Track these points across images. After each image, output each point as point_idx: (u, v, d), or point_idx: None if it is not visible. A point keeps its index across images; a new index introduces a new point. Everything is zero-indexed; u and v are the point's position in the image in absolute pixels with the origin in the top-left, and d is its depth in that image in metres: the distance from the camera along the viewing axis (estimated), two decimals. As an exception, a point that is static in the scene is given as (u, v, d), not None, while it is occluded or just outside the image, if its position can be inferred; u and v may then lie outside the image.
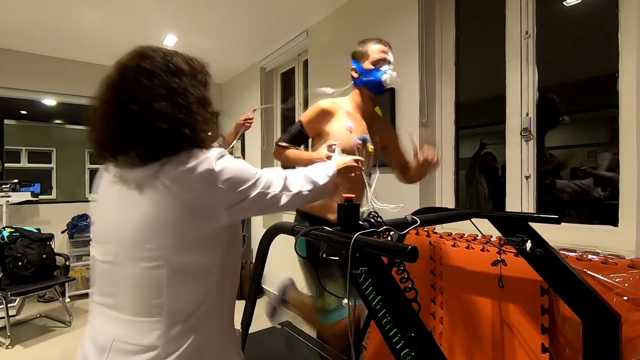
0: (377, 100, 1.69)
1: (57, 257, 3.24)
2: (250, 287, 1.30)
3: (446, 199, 2.19)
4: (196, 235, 0.74)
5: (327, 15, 2.90)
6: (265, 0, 2.68)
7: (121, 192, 0.76)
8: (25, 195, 3.53)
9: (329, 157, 1.34)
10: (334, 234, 0.90)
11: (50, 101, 4.18)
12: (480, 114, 2.21)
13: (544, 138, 1.77)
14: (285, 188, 0.85)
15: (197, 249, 0.75)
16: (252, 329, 1.31)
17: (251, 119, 1.76)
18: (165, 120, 0.71)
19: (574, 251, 1.42)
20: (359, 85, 1.58)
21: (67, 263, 3.36)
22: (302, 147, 1.66)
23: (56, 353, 2.62)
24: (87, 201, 4.85)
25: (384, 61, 1.53)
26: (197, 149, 0.75)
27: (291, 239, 1.02)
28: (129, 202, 0.74)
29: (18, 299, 3.19)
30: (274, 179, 0.84)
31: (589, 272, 1.28)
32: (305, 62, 3.38)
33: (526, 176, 1.78)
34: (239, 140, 4.23)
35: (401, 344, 0.74)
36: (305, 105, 3.40)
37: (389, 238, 1.04)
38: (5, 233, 3.03)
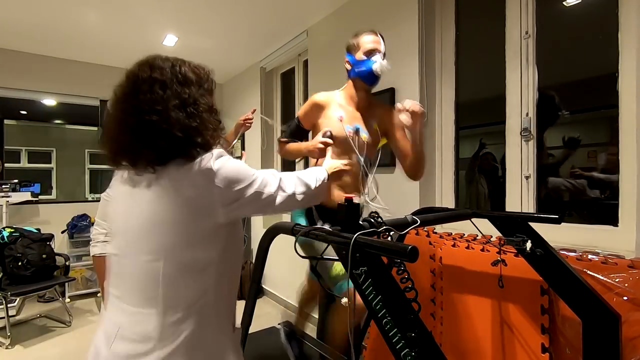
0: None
1: (57, 257, 3.24)
2: (250, 287, 1.30)
3: (446, 199, 2.19)
4: (194, 231, 0.77)
5: (327, 15, 2.90)
6: (265, 0, 2.68)
7: (130, 192, 0.82)
8: (25, 195, 3.53)
9: (324, 143, 1.36)
10: (334, 234, 0.90)
11: (50, 101, 4.18)
12: (480, 114, 2.21)
13: (546, 138, 1.77)
14: (280, 189, 0.88)
15: (195, 244, 0.78)
16: (252, 329, 1.31)
17: (251, 119, 1.75)
18: (181, 128, 0.76)
19: (574, 251, 1.42)
20: (353, 76, 1.60)
21: (67, 263, 3.36)
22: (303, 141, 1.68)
23: (56, 353, 2.62)
24: (87, 201, 4.85)
25: (376, 51, 1.54)
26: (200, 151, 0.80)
27: (291, 239, 1.02)
28: (135, 200, 0.80)
29: (18, 299, 3.19)
30: (270, 180, 0.86)
31: (589, 272, 1.28)
32: (305, 62, 3.38)
33: (526, 176, 1.78)
34: (239, 140, 4.23)
35: (401, 344, 0.74)
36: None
37: (389, 238, 1.04)
38: (5, 233, 3.03)
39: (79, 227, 3.77)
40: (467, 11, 2.13)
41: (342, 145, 1.51)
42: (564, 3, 1.78)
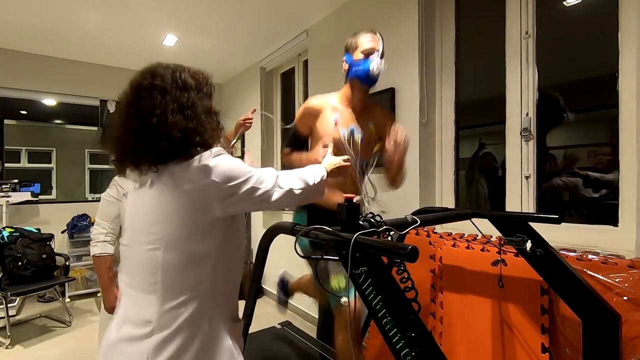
0: (375, 102, 1.70)
1: (57, 257, 3.24)
2: (250, 287, 1.30)
3: (446, 199, 2.19)
4: (192, 224, 0.82)
5: (327, 15, 2.90)
6: (265, 0, 2.68)
7: (137, 190, 0.90)
8: (25, 195, 3.53)
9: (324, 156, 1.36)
10: (334, 234, 0.90)
11: (50, 101, 4.17)
12: (480, 114, 2.21)
13: (546, 137, 1.77)
14: (277, 185, 0.91)
15: (193, 236, 0.82)
16: (252, 329, 1.31)
17: (251, 119, 1.75)
18: (180, 130, 0.82)
19: (574, 251, 1.42)
20: (350, 77, 1.58)
21: (67, 263, 3.36)
22: (304, 149, 1.67)
23: (56, 353, 2.62)
24: (87, 201, 4.85)
25: (374, 50, 1.52)
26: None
27: (291, 239, 1.02)
28: (141, 196, 0.88)
29: (18, 299, 3.19)
30: (266, 177, 0.90)
31: (589, 272, 1.28)
32: (305, 62, 3.38)
33: (526, 176, 1.78)
34: (239, 140, 4.23)
35: (401, 344, 0.74)
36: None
37: (389, 238, 1.04)
38: (5, 233, 3.03)
39: (79, 227, 3.77)
40: (467, 11, 2.13)
41: (337, 149, 1.50)
42: (564, 3, 1.78)
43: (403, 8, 2.22)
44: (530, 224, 1.27)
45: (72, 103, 4.13)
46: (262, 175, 0.89)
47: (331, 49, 2.80)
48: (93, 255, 1.59)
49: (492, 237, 1.55)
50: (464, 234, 1.78)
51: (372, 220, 0.97)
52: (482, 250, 1.56)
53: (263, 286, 3.89)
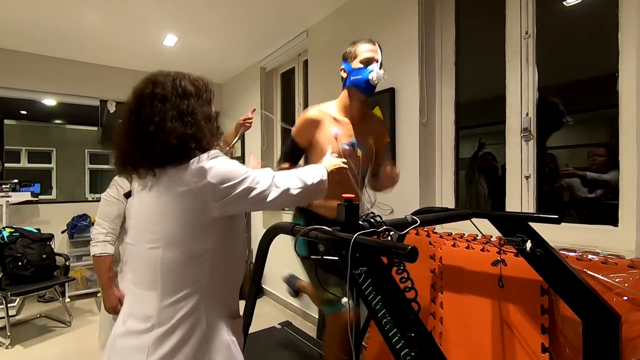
0: (368, 101, 1.68)
1: (57, 257, 3.24)
2: (250, 287, 1.30)
3: (446, 199, 2.19)
4: (190, 223, 0.85)
5: (327, 15, 2.90)
6: (265, 0, 2.68)
7: (140, 192, 0.93)
8: (25, 195, 3.53)
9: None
10: (334, 234, 0.90)
11: (50, 101, 4.17)
12: (480, 114, 2.21)
13: (546, 140, 1.77)
14: (273, 185, 0.93)
15: (191, 235, 0.85)
16: (252, 329, 1.31)
17: (251, 118, 1.75)
18: (177, 136, 0.85)
19: (574, 251, 1.42)
20: (348, 85, 1.56)
21: (67, 263, 3.36)
22: (301, 161, 1.66)
23: (56, 353, 2.62)
24: (87, 201, 4.85)
25: (373, 59, 1.51)
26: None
27: (291, 239, 1.03)
28: (143, 198, 0.91)
29: (18, 299, 3.19)
30: (263, 177, 0.92)
31: (589, 272, 1.28)
32: (305, 62, 3.38)
33: (526, 176, 1.78)
34: (239, 141, 4.23)
35: (401, 344, 0.74)
36: (306, 106, 3.40)
37: (389, 238, 1.04)
38: (5, 233, 3.03)
39: (79, 227, 3.77)
40: (467, 11, 2.13)
41: None
42: (564, 3, 1.78)
43: (403, 8, 2.22)
44: (530, 224, 1.27)
45: (72, 103, 4.13)
46: (258, 175, 0.91)
47: (331, 49, 2.80)
48: (93, 255, 1.59)
49: (492, 237, 1.55)
50: (464, 234, 1.78)
51: (372, 220, 0.97)
52: (482, 250, 1.56)
53: (263, 286, 3.89)
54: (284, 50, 3.48)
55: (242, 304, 1.18)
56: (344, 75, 1.58)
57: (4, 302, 2.78)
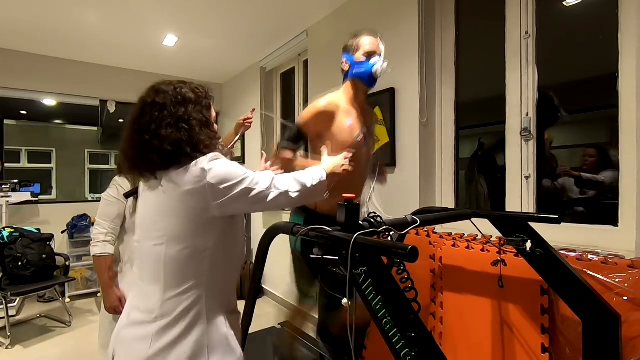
0: (369, 101, 1.72)
1: (57, 257, 3.23)
2: (250, 287, 1.30)
3: (446, 199, 2.19)
4: (192, 222, 0.89)
5: (327, 15, 2.90)
6: (265, 0, 2.68)
7: (145, 193, 0.98)
8: (25, 196, 3.52)
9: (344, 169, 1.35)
10: (334, 234, 0.90)
11: (50, 101, 4.17)
12: (480, 114, 2.21)
13: (544, 136, 1.77)
14: (272, 186, 0.95)
15: (192, 233, 0.90)
16: (252, 329, 1.31)
17: (251, 119, 1.75)
18: (171, 142, 0.89)
19: (574, 251, 1.42)
20: (351, 77, 1.57)
21: (67, 263, 3.36)
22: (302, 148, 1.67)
23: (56, 353, 2.62)
24: (87, 201, 4.86)
25: (375, 52, 1.53)
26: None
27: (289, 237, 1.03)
28: (148, 198, 0.96)
29: (18, 299, 3.19)
30: (262, 179, 0.94)
31: (589, 272, 1.28)
32: (305, 62, 3.38)
33: (526, 176, 1.78)
34: (239, 141, 4.23)
35: (401, 344, 0.74)
36: (306, 106, 3.40)
37: (389, 238, 1.04)
38: (5, 233, 3.03)
39: (79, 227, 3.77)
40: (467, 11, 2.13)
41: (354, 152, 1.52)
42: (564, 3, 1.78)
43: (403, 8, 2.22)
44: (530, 224, 1.27)
45: (72, 103, 4.13)
46: (257, 177, 0.94)
47: (331, 49, 2.80)
48: (93, 255, 1.59)
49: (492, 237, 1.55)
50: (464, 234, 1.78)
51: (372, 220, 0.97)
52: (482, 250, 1.56)
53: (263, 286, 3.89)
54: (284, 50, 3.48)
55: (242, 304, 1.18)
56: (346, 67, 1.58)
57: (4, 302, 2.78)
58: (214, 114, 1.02)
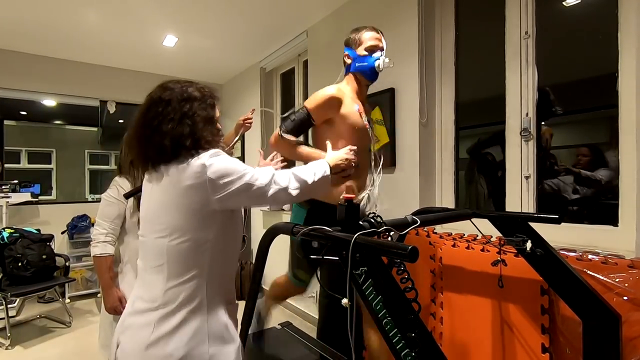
0: (369, 102, 1.74)
1: (57, 257, 3.23)
2: (251, 287, 1.30)
3: (446, 199, 2.19)
4: (193, 215, 0.92)
5: (327, 15, 2.90)
6: (265, 1, 2.68)
7: (149, 187, 1.00)
8: (25, 196, 3.52)
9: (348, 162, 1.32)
10: (334, 234, 0.90)
11: (50, 102, 4.17)
12: (480, 114, 2.21)
13: (542, 132, 1.77)
14: (272, 182, 0.97)
15: (193, 226, 0.93)
16: (252, 329, 1.31)
17: (250, 119, 1.75)
18: (171, 138, 0.92)
19: (574, 251, 1.42)
20: (353, 71, 1.60)
21: (67, 264, 3.35)
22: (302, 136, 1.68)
23: (56, 353, 2.62)
24: (87, 202, 4.85)
25: (377, 47, 1.56)
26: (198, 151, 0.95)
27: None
28: (151, 192, 0.99)
29: (18, 299, 3.19)
30: (262, 175, 0.96)
31: (589, 272, 1.28)
32: (305, 62, 3.38)
33: (526, 176, 1.78)
34: (239, 141, 4.23)
35: (401, 344, 0.74)
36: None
37: (389, 238, 1.04)
38: (5, 234, 3.03)
39: (79, 228, 3.77)
40: (467, 11, 2.13)
41: (360, 137, 1.55)
42: (564, 3, 1.78)
43: (403, 9, 2.22)
44: (530, 224, 1.27)
45: (71, 104, 4.13)
46: (257, 173, 0.96)
47: (331, 49, 2.81)
48: (93, 256, 1.59)
49: (492, 237, 1.55)
50: (464, 234, 1.78)
51: (372, 220, 0.97)
52: (482, 250, 1.56)
53: (263, 287, 3.89)
54: (284, 50, 3.48)
55: (242, 304, 1.18)
56: (348, 61, 1.61)
57: (4, 302, 2.78)
58: (218, 113, 1.04)
